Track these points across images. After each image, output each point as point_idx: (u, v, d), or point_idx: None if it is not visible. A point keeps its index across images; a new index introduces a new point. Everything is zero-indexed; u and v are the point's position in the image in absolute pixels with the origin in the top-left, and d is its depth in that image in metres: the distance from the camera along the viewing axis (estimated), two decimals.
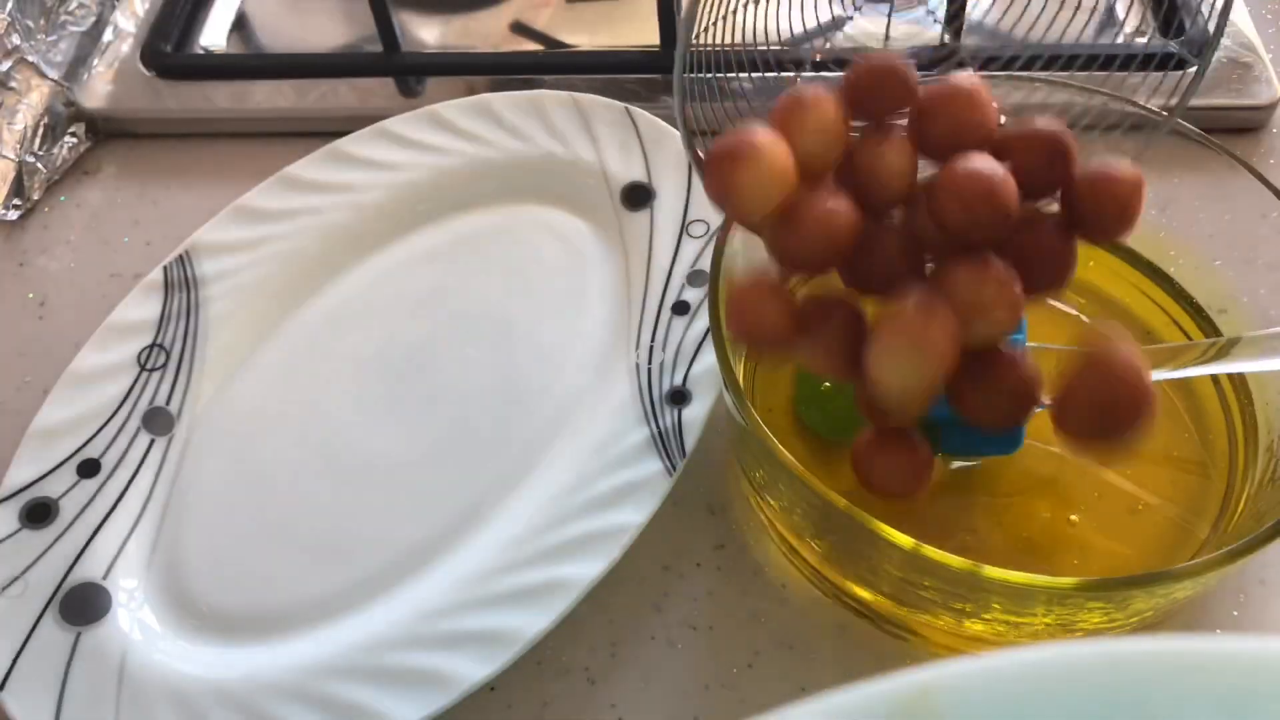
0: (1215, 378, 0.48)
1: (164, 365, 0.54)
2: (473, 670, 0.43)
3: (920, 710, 0.19)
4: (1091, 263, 0.51)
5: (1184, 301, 0.50)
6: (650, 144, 0.58)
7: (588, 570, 0.45)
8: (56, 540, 0.48)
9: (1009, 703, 0.19)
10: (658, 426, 0.49)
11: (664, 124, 0.59)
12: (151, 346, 0.54)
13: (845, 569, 0.44)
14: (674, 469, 0.47)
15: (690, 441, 0.48)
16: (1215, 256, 0.49)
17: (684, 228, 0.55)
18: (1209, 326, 0.49)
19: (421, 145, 0.61)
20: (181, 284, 0.56)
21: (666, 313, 0.53)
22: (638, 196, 0.57)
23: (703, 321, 0.52)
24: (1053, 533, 0.45)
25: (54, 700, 0.44)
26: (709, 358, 0.50)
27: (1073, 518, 0.45)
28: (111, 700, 0.44)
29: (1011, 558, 0.42)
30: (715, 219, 0.55)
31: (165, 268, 0.56)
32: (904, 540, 0.37)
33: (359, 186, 0.60)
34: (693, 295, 0.53)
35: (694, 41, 0.43)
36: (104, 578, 0.48)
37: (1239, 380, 0.47)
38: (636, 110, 0.59)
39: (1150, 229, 0.50)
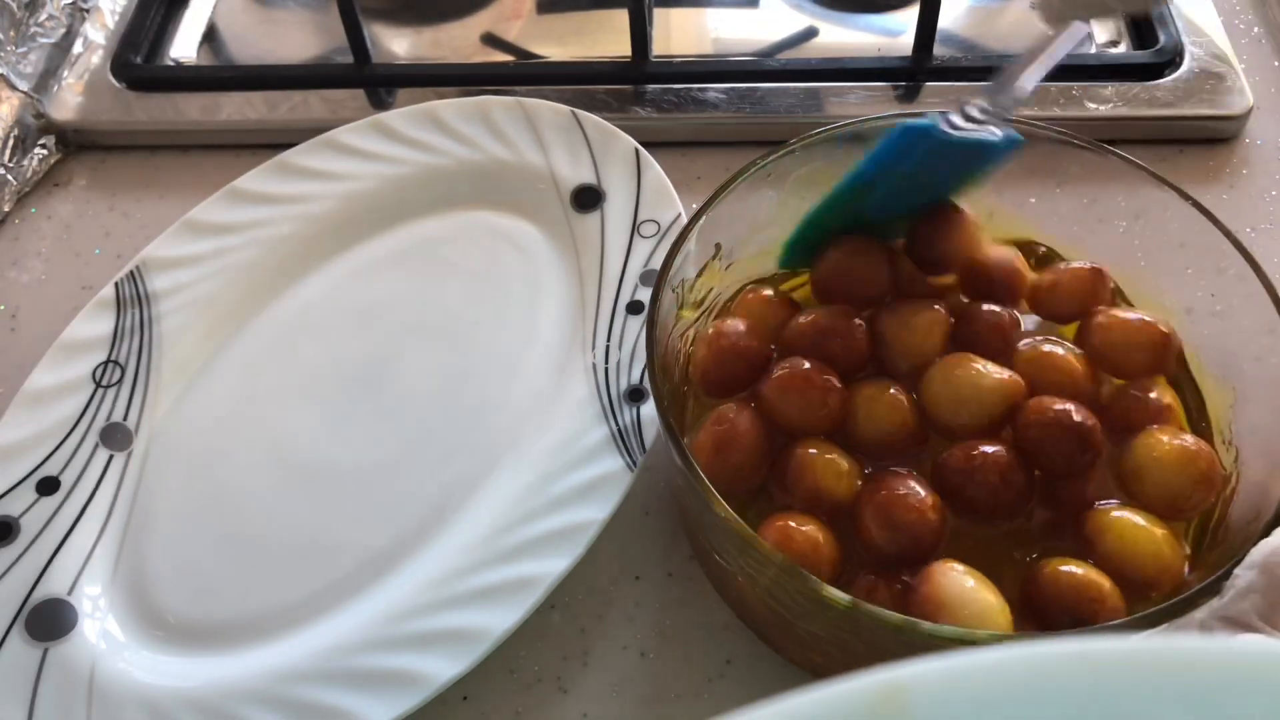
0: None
1: (119, 381, 0.54)
2: (443, 669, 0.43)
3: (891, 709, 0.19)
4: None
5: None
6: (598, 146, 0.59)
7: (553, 566, 0.45)
8: (19, 559, 0.48)
9: (980, 702, 0.19)
10: (617, 424, 0.49)
11: (611, 126, 0.59)
12: (106, 363, 0.54)
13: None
14: (634, 465, 0.47)
15: (650, 437, 0.48)
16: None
17: (635, 228, 0.55)
18: None
19: (369, 155, 0.61)
20: (133, 299, 0.56)
21: (621, 312, 0.53)
22: (587, 199, 0.58)
23: None
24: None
25: (24, 716, 0.44)
26: None
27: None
28: (82, 713, 0.44)
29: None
30: (666, 218, 0.55)
31: (117, 284, 0.56)
32: (837, 598, 0.36)
33: (308, 197, 0.60)
34: (647, 294, 0.52)
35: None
36: (69, 593, 0.47)
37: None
38: (583, 114, 0.59)
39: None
